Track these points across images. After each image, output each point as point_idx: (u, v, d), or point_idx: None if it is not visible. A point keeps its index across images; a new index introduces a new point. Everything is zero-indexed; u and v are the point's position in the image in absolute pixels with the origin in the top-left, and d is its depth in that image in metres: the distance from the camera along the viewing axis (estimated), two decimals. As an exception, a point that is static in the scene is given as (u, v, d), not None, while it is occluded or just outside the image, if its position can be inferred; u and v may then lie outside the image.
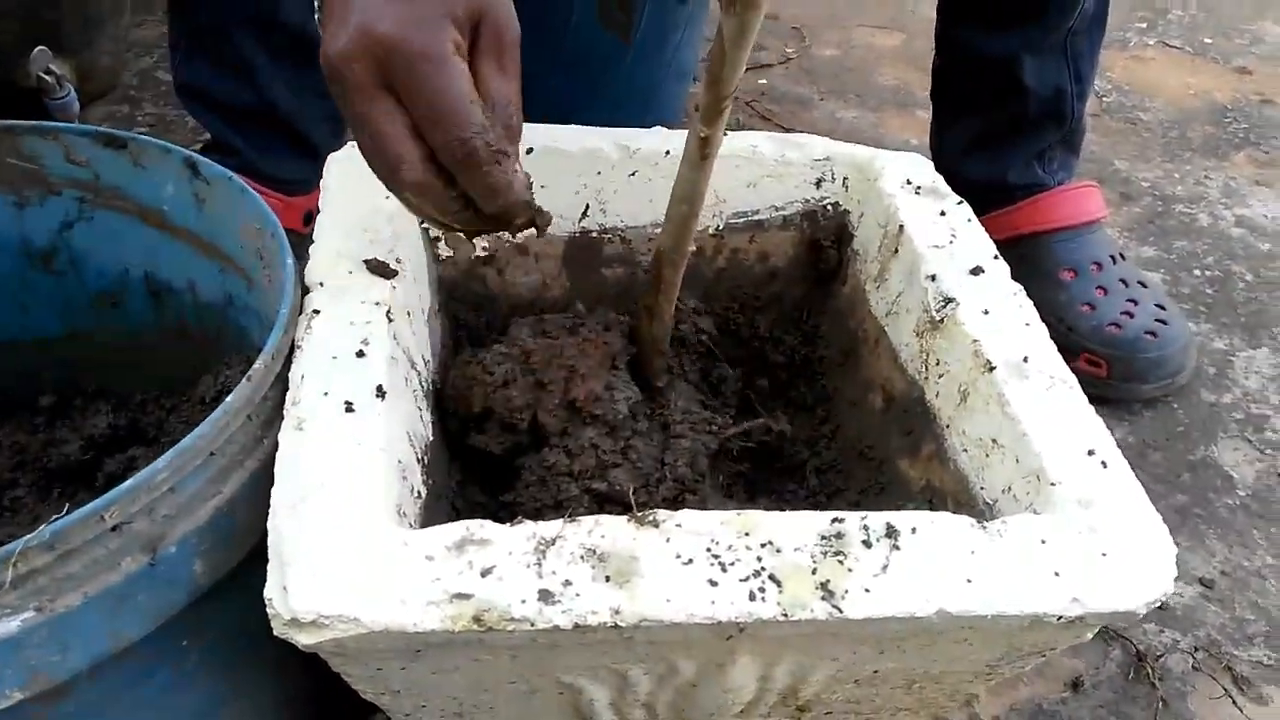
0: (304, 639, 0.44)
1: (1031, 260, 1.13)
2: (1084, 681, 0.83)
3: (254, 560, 0.48)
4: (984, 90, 1.11)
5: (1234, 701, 0.83)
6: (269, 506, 0.48)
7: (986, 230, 1.12)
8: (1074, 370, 1.04)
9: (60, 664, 0.45)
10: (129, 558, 0.46)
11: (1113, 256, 1.13)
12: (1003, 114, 1.11)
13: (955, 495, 0.62)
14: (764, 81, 1.60)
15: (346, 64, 0.50)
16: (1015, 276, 1.10)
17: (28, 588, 0.43)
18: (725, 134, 0.75)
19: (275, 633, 0.45)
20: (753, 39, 0.48)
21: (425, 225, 0.74)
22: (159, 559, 0.47)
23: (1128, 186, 1.43)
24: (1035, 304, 1.08)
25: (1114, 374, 1.06)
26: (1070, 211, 1.12)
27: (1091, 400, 1.05)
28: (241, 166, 1.02)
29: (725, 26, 0.48)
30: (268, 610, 0.45)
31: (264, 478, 0.50)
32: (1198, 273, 1.28)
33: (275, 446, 0.51)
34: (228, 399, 0.50)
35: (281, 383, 0.54)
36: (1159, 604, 0.50)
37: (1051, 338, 1.07)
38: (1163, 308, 1.10)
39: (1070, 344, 1.08)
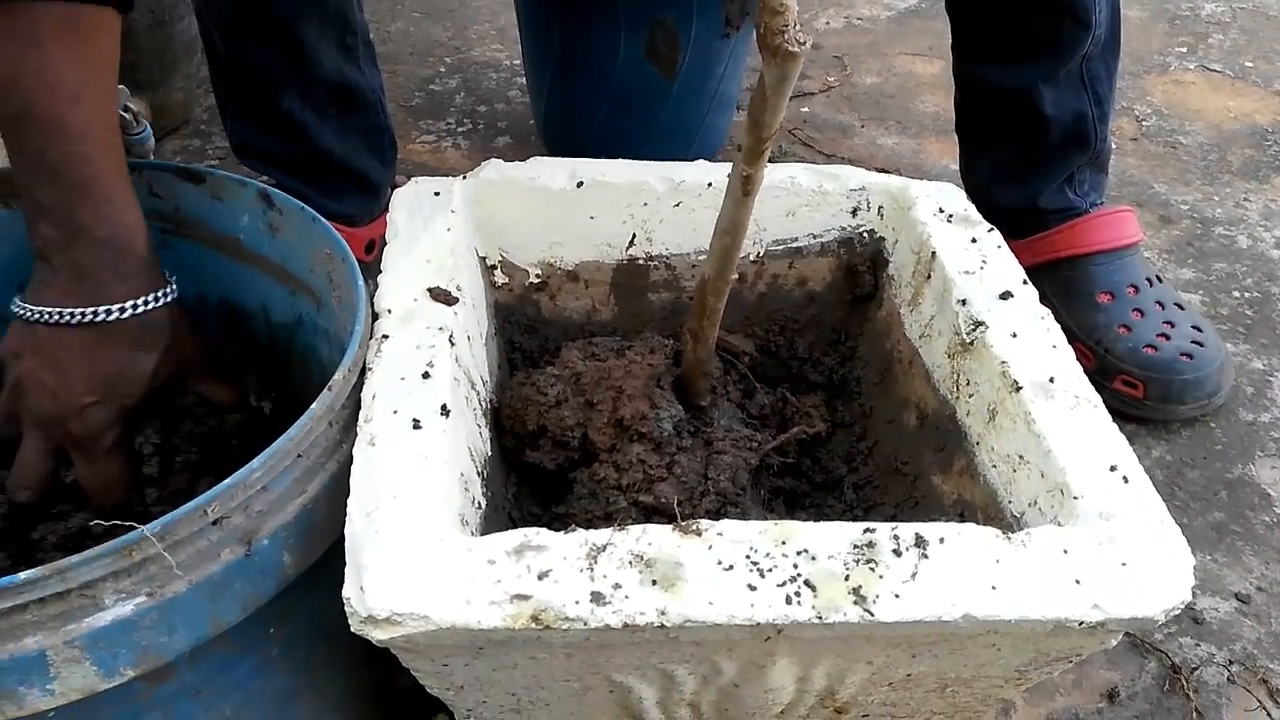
0: (379, 635, 0.48)
1: (1068, 283, 1.15)
2: (1120, 693, 0.85)
3: (331, 557, 0.53)
4: (1005, 122, 1.12)
5: (1269, 714, 0.84)
6: (345, 507, 0.53)
7: (1024, 254, 1.15)
8: (1111, 392, 1.08)
9: (167, 645, 0.49)
10: (228, 549, 0.51)
11: (1149, 279, 1.14)
12: (1026, 143, 1.12)
13: (985, 509, 0.65)
14: (806, 110, 1.63)
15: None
16: (1052, 300, 1.13)
17: (141, 574, 0.48)
18: (766, 167, 0.80)
19: (353, 629, 0.49)
20: (792, 86, 0.52)
21: (483, 256, 0.79)
22: (254, 550, 0.52)
23: (1167, 209, 1.45)
24: (1072, 327, 1.11)
25: (1151, 395, 1.08)
26: (1107, 235, 1.14)
27: (1129, 421, 1.08)
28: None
29: (766, 75, 0.51)
30: (346, 609, 0.49)
31: (342, 479, 0.55)
32: (1237, 294, 1.30)
33: (351, 452, 0.56)
34: (313, 405, 0.55)
35: (357, 393, 0.59)
36: (1177, 611, 0.53)
37: (1089, 360, 1.10)
38: (1199, 329, 1.11)
39: (1107, 366, 1.10)
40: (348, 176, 1.09)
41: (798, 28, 0.48)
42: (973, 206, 0.79)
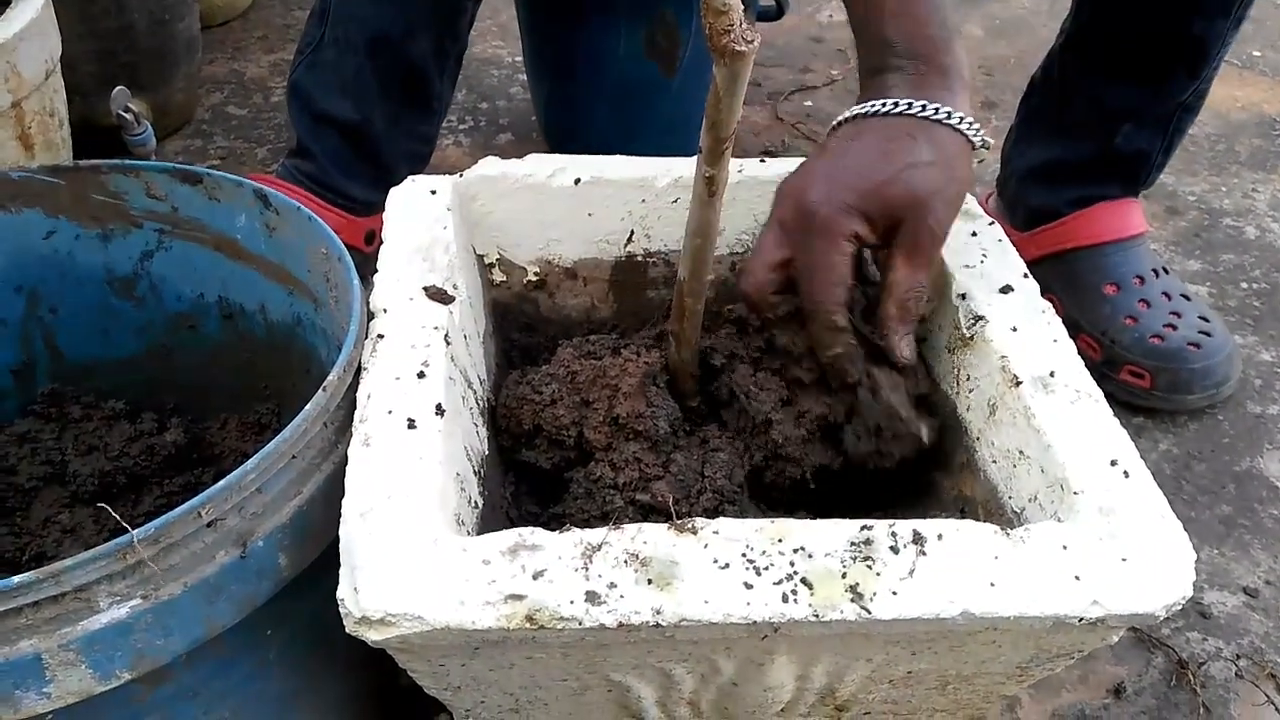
0: (373, 636, 0.48)
1: (1074, 275, 1.14)
2: (1126, 688, 0.84)
3: (328, 558, 0.52)
4: (1070, 127, 1.12)
5: (1277, 709, 0.83)
6: (341, 508, 0.52)
7: (1029, 246, 1.14)
8: (1118, 383, 1.08)
9: (163, 648, 0.49)
10: (223, 551, 0.51)
11: (1155, 270, 1.14)
12: (1078, 156, 1.12)
13: (985, 504, 0.64)
14: (810, 104, 1.62)
15: (782, 197, 0.68)
16: (1058, 291, 1.13)
17: (135, 577, 0.48)
18: (757, 162, 0.79)
19: (348, 630, 0.49)
20: (744, 86, 0.51)
21: (481, 254, 0.78)
22: (249, 552, 0.52)
23: (1174, 200, 1.44)
24: (1078, 318, 1.11)
25: (1158, 385, 1.08)
26: (1113, 226, 1.14)
27: (1136, 412, 1.08)
28: (316, 175, 1.08)
29: (718, 75, 0.51)
30: (340, 609, 0.49)
31: (337, 481, 0.55)
32: (1245, 285, 1.29)
33: (346, 453, 0.56)
34: (307, 407, 0.54)
35: (352, 393, 0.59)
36: (1178, 607, 0.52)
37: (1096, 351, 1.09)
38: (1206, 319, 1.11)
39: (1114, 357, 1.10)
40: (372, 159, 1.09)
41: (744, 26, 0.48)
42: (974, 200, 0.78)
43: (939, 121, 0.65)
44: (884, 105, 0.66)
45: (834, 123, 0.69)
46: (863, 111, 0.67)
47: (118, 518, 0.55)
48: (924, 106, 0.65)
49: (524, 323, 0.81)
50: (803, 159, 0.72)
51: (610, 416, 0.67)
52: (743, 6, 0.49)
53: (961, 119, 0.66)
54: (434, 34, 1.04)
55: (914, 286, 0.66)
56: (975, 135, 0.67)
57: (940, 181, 0.65)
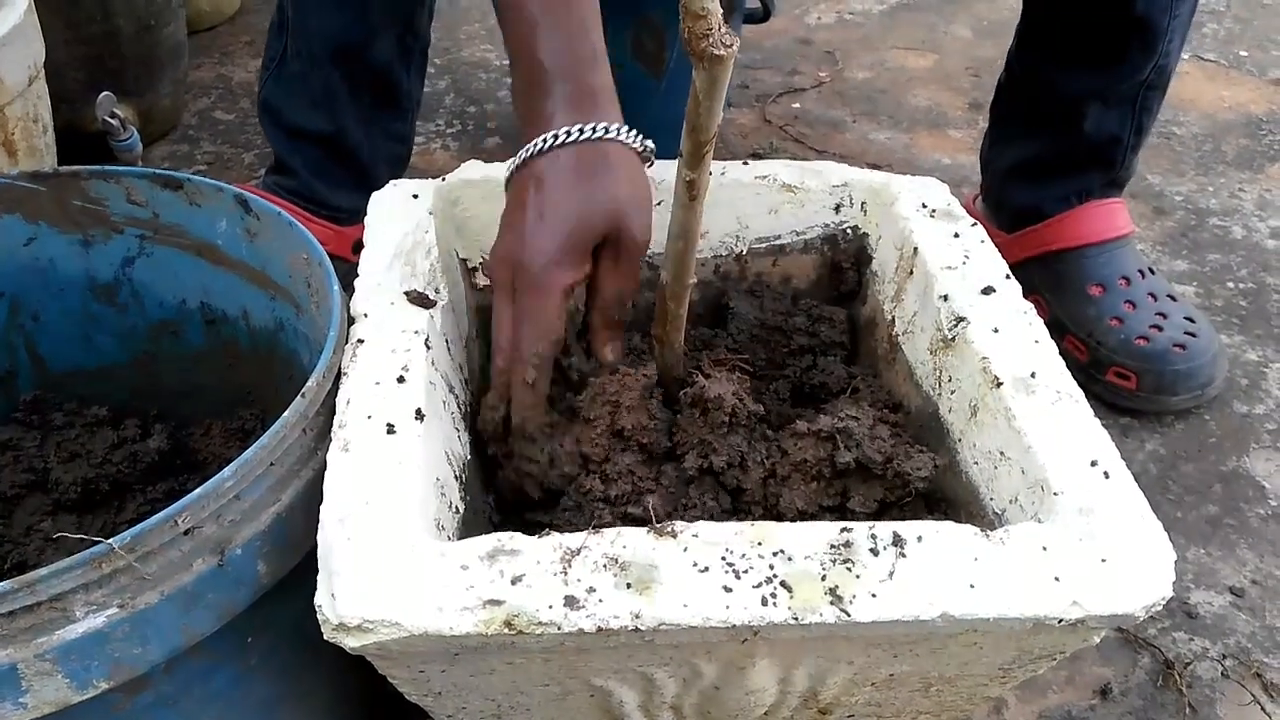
0: (351, 642, 0.48)
1: (1060, 277, 1.15)
2: (1113, 689, 0.84)
3: (308, 565, 0.52)
4: (1039, 121, 1.12)
5: (1263, 709, 0.84)
6: (320, 515, 0.52)
7: (1014, 248, 1.15)
8: (1104, 384, 1.08)
9: (140, 656, 0.49)
10: (200, 559, 0.50)
11: (1141, 271, 1.14)
12: (1052, 149, 1.12)
13: (967, 506, 0.64)
14: (797, 105, 1.63)
15: (497, 264, 0.66)
16: (1044, 293, 1.13)
17: (112, 586, 0.47)
18: (739, 164, 0.79)
19: (325, 636, 0.49)
20: (724, 90, 0.51)
21: (464, 259, 0.78)
22: (227, 560, 0.51)
23: (1161, 200, 1.44)
24: (1064, 320, 1.11)
25: (1143, 386, 1.08)
26: (1098, 228, 1.14)
27: (1122, 413, 1.08)
28: (299, 189, 1.07)
29: (697, 80, 0.51)
30: (318, 616, 0.49)
31: (317, 487, 0.54)
32: (1231, 285, 1.29)
33: (325, 460, 0.56)
34: (285, 414, 0.54)
35: (332, 399, 0.59)
36: (1158, 607, 0.52)
37: (1082, 353, 1.09)
38: (1192, 320, 1.11)
39: (1100, 358, 1.10)
40: (352, 167, 1.09)
41: (723, 30, 0.48)
42: (955, 201, 0.78)
43: (610, 140, 0.66)
44: (555, 138, 0.65)
45: (516, 162, 0.68)
46: (536, 151, 0.66)
47: (99, 527, 0.55)
48: (593, 129, 0.65)
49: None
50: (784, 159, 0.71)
51: (613, 429, 0.65)
52: (725, 10, 0.49)
53: (626, 132, 0.67)
54: (395, 34, 1.04)
55: (618, 297, 0.68)
56: (641, 146, 0.68)
57: (628, 192, 0.65)
